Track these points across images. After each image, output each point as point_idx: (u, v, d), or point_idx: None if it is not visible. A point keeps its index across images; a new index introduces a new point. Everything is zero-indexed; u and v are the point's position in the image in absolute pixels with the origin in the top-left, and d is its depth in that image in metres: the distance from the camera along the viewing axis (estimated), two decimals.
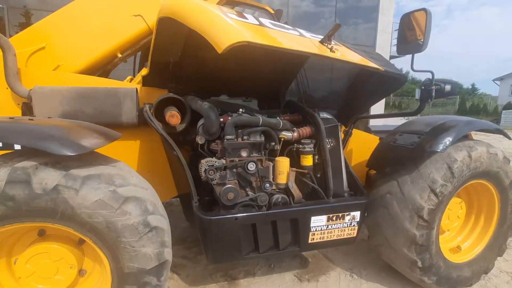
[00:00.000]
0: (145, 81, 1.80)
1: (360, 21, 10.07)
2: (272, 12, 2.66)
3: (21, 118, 1.41)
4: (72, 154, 1.14)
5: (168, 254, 1.38)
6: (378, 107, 9.11)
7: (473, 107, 24.52)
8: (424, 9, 1.64)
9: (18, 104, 1.77)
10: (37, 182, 1.11)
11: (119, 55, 2.03)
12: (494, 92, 34.51)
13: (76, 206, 1.16)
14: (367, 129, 2.85)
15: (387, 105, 21.78)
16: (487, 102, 28.36)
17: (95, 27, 1.91)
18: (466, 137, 2.09)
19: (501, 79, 33.68)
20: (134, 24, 1.96)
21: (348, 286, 2.07)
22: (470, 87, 50.84)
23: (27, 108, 1.75)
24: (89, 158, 1.30)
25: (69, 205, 1.15)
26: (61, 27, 1.89)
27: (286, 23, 2.69)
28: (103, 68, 2.05)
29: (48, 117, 1.58)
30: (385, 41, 10.05)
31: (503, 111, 18.50)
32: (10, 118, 1.27)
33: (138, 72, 2.60)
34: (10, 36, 5.53)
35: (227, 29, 1.24)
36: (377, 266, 2.27)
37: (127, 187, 1.27)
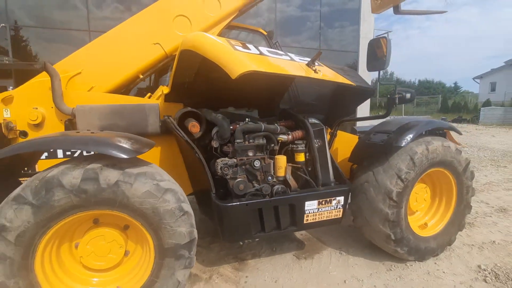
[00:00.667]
0: (167, 98, 2.21)
1: (344, 29, 10.70)
2: (265, 33, 3.12)
3: (85, 132, 1.78)
4: (127, 157, 1.54)
5: (195, 233, 1.77)
6: (364, 109, 9.58)
7: (455, 105, 25.61)
8: (384, 37, 2.12)
9: (61, 120, 2.15)
10: (103, 179, 1.50)
11: (141, 76, 2.43)
12: (476, 89, 36.10)
13: (131, 196, 1.55)
14: (353, 130, 3.31)
15: (374, 106, 22.60)
16: (467, 100, 29.64)
17: (122, 54, 2.30)
18: (444, 135, 2.59)
19: (480, 77, 35.28)
20: (153, 51, 2.37)
21: (337, 261, 2.49)
22: (453, 85, 52.59)
23: (70, 124, 2.14)
24: (134, 160, 1.69)
25: (125, 196, 1.54)
26: (94, 55, 2.28)
27: (277, 42, 3.16)
28: (127, 87, 2.45)
29: (100, 131, 1.95)
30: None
31: (482, 108, 19.49)
32: (76, 132, 1.66)
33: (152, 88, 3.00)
34: (13, 52, 5.79)
35: (237, 61, 1.66)
36: (361, 244, 2.70)
37: (165, 181, 1.67)
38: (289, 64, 1.93)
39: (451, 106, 25.60)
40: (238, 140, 1.96)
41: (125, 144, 1.60)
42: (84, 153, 2.17)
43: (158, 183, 1.62)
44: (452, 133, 3.22)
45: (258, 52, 1.89)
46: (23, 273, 1.46)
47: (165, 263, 1.69)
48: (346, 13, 10.68)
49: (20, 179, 1.95)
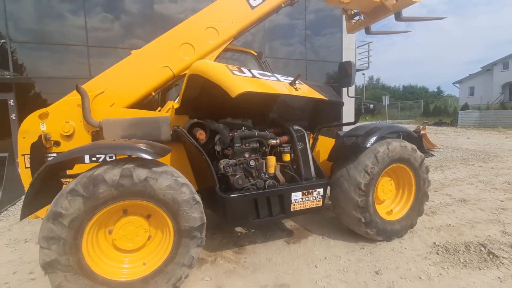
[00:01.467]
0: (177, 111, 2.68)
1: (328, 42, 11.45)
2: (255, 54, 3.65)
3: (120, 140, 2.24)
4: (153, 159, 2.01)
5: (205, 218, 2.22)
6: (351, 113, 10.17)
7: (436, 109, 26.96)
8: (350, 61, 2.69)
9: (89, 131, 2.59)
10: (135, 175, 1.95)
11: (153, 93, 2.91)
12: (458, 93, 37.98)
13: (156, 189, 2.01)
14: (337, 135, 3.84)
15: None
16: (448, 104, 31.16)
17: (138, 76, 2.77)
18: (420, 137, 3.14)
19: (460, 82, 37.19)
20: (164, 72, 2.84)
21: (320, 244, 2.98)
22: (436, 90, 54.75)
23: (97, 134, 2.58)
24: (156, 162, 2.15)
25: (152, 188, 2.00)
26: (114, 78, 2.74)
27: (265, 61, 3.70)
28: (141, 102, 2.91)
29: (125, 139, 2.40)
30: (351, 58, 11.48)
31: (460, 112, 20.68)
32: (113, 141, 2.11)
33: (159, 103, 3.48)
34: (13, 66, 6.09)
35: (235, 83, 2.16)
36: (341, 231, 3.21)
37: (181, 177, 2.14)
38: (276, 84, 2.45)
39: (432, 110, 26.89)
40: (237, 145, 2.46)
41: (151, 149, 2.07)
42: (107, 158, 2.61)
43: (176, 178, 2.09)
44: (431, 134, 3.79)
45: (251, 75, 2.40)
46: (73, 251, 1.89)
47: (182, 242, 2.14)
48: (331, 23, 11.38)
49: (62, 180, 2.36)
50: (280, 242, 3.04)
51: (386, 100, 19.60)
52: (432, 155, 8.00)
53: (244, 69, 2.47)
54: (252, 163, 2.49)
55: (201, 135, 2.45)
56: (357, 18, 4.30)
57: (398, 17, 3.87)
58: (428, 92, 52.53)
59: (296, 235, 3.20)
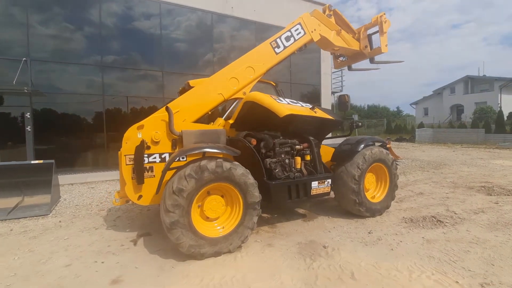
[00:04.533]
0: (232, 126, 3.82)
1: (308, 68, 13.19)
2: (274, 84, 4.93)
3: (212, 144, 3.32)
4: (235, 155, 3.12)
5: (260, 196, 3.33)
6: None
7: (397, 127, 30.28)
8: (347, 94, 4.07)
9: (169, 139, 3.61)
10: (224, 166, 3.04)
11: (209, 112, 4.02)
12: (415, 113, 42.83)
13: (235, 175, 3.10)
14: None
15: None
16: (407, 122, 35.00)
17: (201, 100, 3.87)
18: (385, 144, 4.54)
19: (416, 103, 41.96)
20: (218, 97, 3.97)
21: (328, 220, 4.19)
22: (396, 109, 60.34)
23: (175, 141, 3.61)
24: (231, 159, 3.25)
25: (233, 175, 3.09)
26: (186, 101, 3.81)
27: (281, 89, 4.99)
28: (201, 118, 3.99)
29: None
30: (327, 81, 13.34)
31: (416, 130, 23.72)
32: (206, 144, 3.19)
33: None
34: (32, 82, 6.75)
35: (281, 108, 3.38)
36: (340, 213, 4.45)
37: (245, 169, 3.25)
38: (302, 108, 3.72)
39: (394, 127, 30.12)
40: (277, 148, 3.64)
41: (234, 152, 3.19)
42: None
43: (245, 169, 3.21)
44: (394, 148, 5.24)
45: (286, 102, 3.64)
46: (186, 215, 2.90)
47: (248, 212, 3.23)
48: (312, 51, 13.15)
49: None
50: (299, 221, 4.21)
51: (355, 118, 21.98)
52: (397, 164, 9.74)
53: (281, 98, 3.71)
54: (286, 161, 3.68)
55: (254, 141, 3.61)
56: (341, 58, 5.84)
57: (372, 61, 5.45)
58: (389, 111, 57.77)
59: (309, 217, 4.39)
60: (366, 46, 5.30)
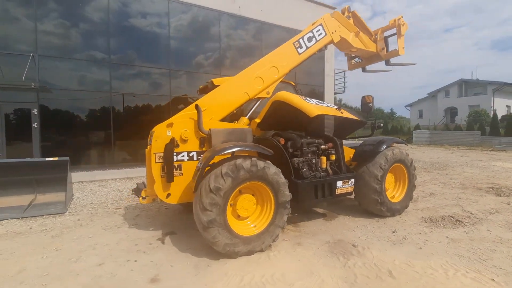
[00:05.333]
0: (259, 126, 3.82)
1: (312, 69, 13.28)
2: (294, 84, 4.95)
3: (242, 142, 3.31)
4: (269, 155, 3.13)
5: (290, 195, 3.35)
6: None
7: (393, 128, 30.70)
8: (371, 95, 4.11)
9: (197, 137, 3.59)
10: (258, 165, 3.05)
11: (234, 111, 4.01)
12: (408, 115, 43.47)
13: (268, 174, 3.11)
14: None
15: None
16: (402, 124, 35.51)
17: (227, 99, 3.87)
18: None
19: (410, 105, 42.58)
20: (243, 96, 3.98)
21: (349, 220, 4.23)
22: (389, 111, 61.11)
23: (205, 140, 3.59)
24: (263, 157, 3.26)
25: (266, 174, 3.10)
26: (213, 100, 3.79)
27: (299, 89, 5.01)
28: (226, 117, 3.98)
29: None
30: (330, 83, 13.46)
31: (414, 131, 24.09)
32: (239, 142, 3.19)
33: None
34: (39, 77, 6.66)
35: (311, 108, 3.41)
36: (359, 212, 4.51)
37: (277, 168, 3.26)
38: (329, 108, 3.75)
39: (390, 129, 30.51)
40: (304, 148, 3.66)
41: (268, 151, 3.20)
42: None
43: (277, 168, 3.22)
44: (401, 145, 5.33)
45: (314, 102, 3.67)
46: (222, 213, 2.90)
47: (279, 211, 3.24)
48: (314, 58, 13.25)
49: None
50: (321, 220, 4.24)
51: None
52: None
53: (308, 98, 3.74)
54: (313, 160, 3.71)
55: (282, 140, 3.62)
56: (356, 60, 5.90)
57: (388, 62, 5.52)
58: (384, 113, 58.48)
59: (329, 216, 4.42)
60: (383, 48, 5.37)
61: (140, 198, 3.66)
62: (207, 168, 3.12)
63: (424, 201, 5.28)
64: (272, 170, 3.15)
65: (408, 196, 4.56)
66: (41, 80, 7.47)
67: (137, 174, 7.70)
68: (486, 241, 3.42)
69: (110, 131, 8.41)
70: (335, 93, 14.27)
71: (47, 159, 4.89)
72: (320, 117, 3.48)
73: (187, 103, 9.82)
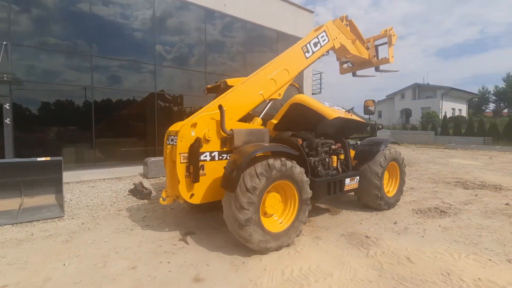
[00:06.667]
0: (275, 127, 3.98)
1: None
2: (298, 86, 5.18)
3: (272, 143, 3.45)
4: (296, 155, 3.31)
5: (311, 192, 3.57)
6: None
7: None
8: (373, 100, 4.50)
9: (219, 138, 3.64)
10: (287, 165, 3.21)
11: (250, 112, 4.11)
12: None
13: (295, 173, 3.29)
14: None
15: None
16: None
17: (244, 100, 3.95)
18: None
19: None
20: (258, 97, 4.09)
21: (352, 214, 4.60)
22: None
23: (227, 140, 3.65)
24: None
25: (293, 173, 3.28)
26: (231, 100, 3.84)
27: (302, 91, 5.26)
28: (243, 117, 4.07)
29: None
30: (309, 84, 14.04)
31: (377, 131, 26.10)
32: (268, 144, 3.31)
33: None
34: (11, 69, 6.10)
35: (329, 111, 3.67)
36: (359, 207, 4.91)
37: (301, 167, 3.47)
38: (340, 111, 4.05)
39: None
40: (319, 148, 3.91)
41: (287, 149, 3.37)
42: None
43: (300, 167, 3.42)
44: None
45: (329, 105, 3.93)
46: (257, 211, 3.02)
47: (302, 207, 3.45)
48: None
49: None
50: (327, 215, 4.55)
51: None
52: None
53: (323, 102, 3.99)
54: (326, 159, 3.98)
55: (300, 141, 3.82)
56: (346, 65, 6.34)
57: (377, 69, 6.01)
58: None
59: (333, 211, 4.75)
60: (374, 56, 5.86)
61: (161, 199, 3.60)
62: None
63: (407, 195, 5.89)
64: (298, 169, 3.34)
65: (400, 191, 5.08)
66: (13, 71, 6.72)
67: (124, 174, 7.35)
68: (471, 228, 4.00)
69: (91, 128, 7.88)
70: (313, 93, 14.91)
71: (39, 159, 4.51)
72: (338, 120, 3.75)
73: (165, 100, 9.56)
